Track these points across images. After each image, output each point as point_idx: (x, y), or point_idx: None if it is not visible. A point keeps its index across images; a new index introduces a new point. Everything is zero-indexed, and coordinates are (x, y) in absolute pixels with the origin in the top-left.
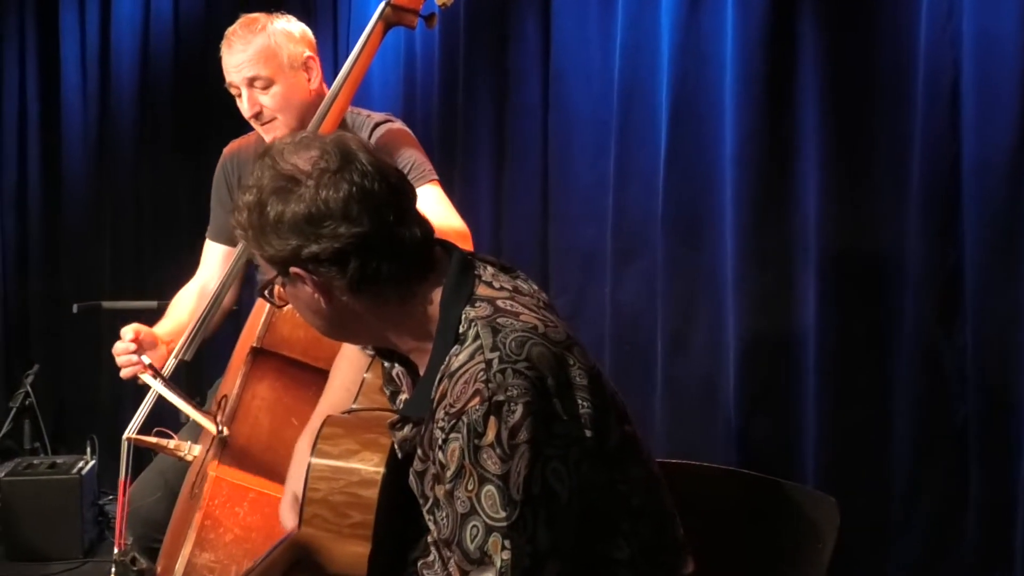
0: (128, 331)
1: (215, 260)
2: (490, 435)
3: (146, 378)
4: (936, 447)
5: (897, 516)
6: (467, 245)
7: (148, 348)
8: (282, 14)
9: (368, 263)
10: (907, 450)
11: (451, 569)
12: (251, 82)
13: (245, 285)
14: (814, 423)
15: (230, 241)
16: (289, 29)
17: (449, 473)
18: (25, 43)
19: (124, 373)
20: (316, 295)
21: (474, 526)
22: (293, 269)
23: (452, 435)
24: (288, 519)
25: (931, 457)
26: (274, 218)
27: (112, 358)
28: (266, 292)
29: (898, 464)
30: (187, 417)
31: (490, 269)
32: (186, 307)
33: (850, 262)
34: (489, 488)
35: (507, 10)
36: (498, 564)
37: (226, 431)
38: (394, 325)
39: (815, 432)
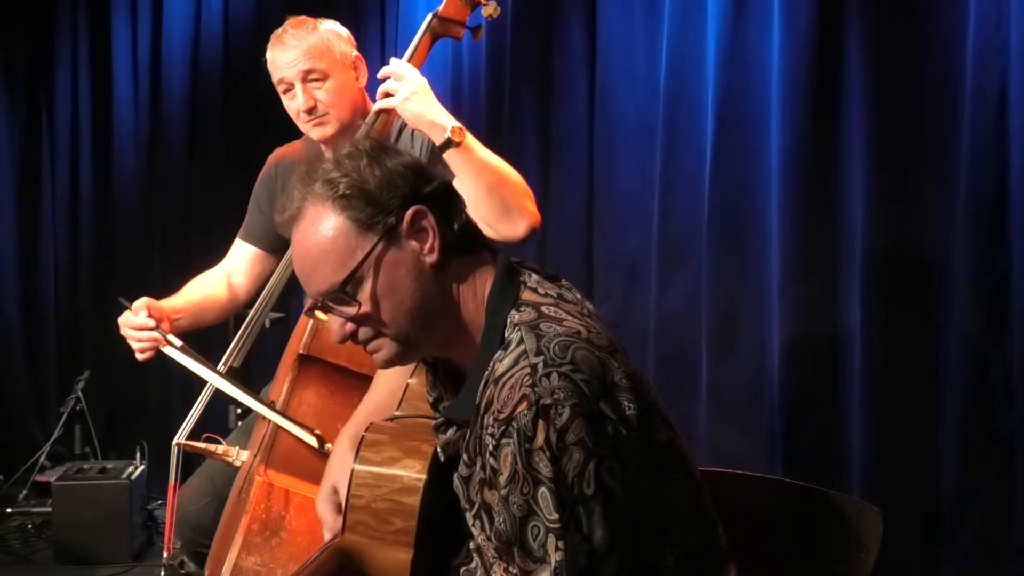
0: (141, 306)
1: (242, 257)
2: (540, 439)
3: (168, 351)
4: (984, 456)
5: (944, 526)
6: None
7: (157, 324)
8: (326, 19)
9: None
10: (954, 459)
11: (495, 572)
12: (306, 76)
13: (293, 293)
14: (859, 431)
15: (261, 243)
16: (337, 30)
17: (503, 478)
18: (78, 52)
19: (141, 347)
20: (430, 243)
21: (535, 526)
22: (417, 207)
23: (503, 441)
24: (325, 511)
25: (978, 466)
26: (391, 164)
27: (160, 363)
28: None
29: (945, 473)
30: (236, 422)
31: (535, 276)
32: (200, 289)
33: (896, 270)
34: (543, 490)
35: (553, 19)
36: (552, 564)
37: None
38: (455, 311)
39: (860, 441)
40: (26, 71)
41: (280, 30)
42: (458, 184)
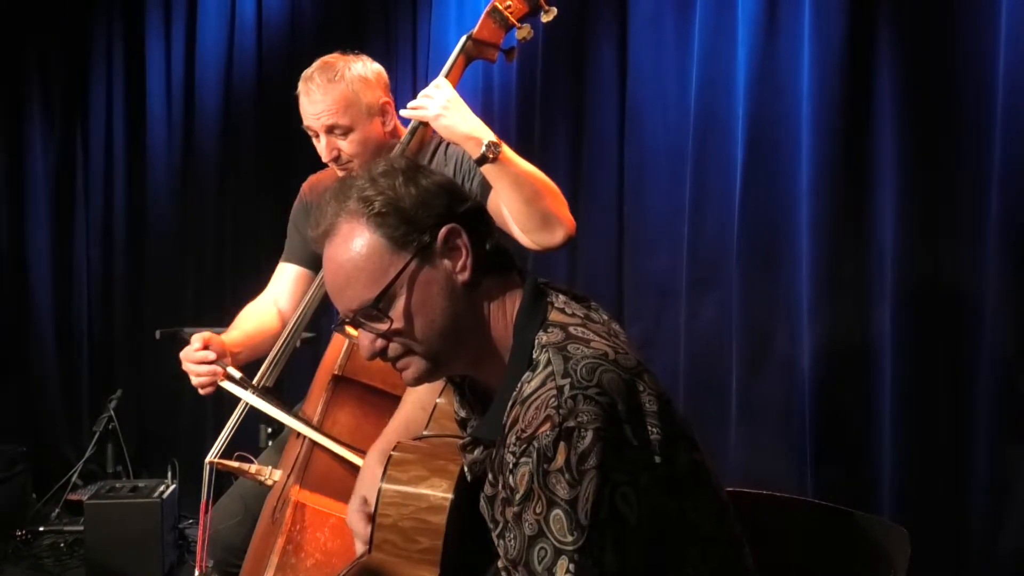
0: (198, 339)
1: (287, 279)
2: (559, 460)
3: (227, 385)
4: (1015, 478)
5: (975, 548)
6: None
7: (219, 358)
8: (357, 56)
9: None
10: (985, 480)
11: None
12: (330, 129)
13: (323, 314)
14: (890, 452)
15: (304, 262)
16: (366, 75)
17: (518, 496)
18: (112, 75)
19: (201, 382)
20: (462, 261)
21: (542, 548)
22: (451, 225)
23: (522, 459)
24: (355, 521)
25: (1009, 488)
26: (426, 183)
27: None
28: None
29: (976, 494)
30: (268, 441)
31: (562, 297)
32: (252, 319)
33: (927, 293)
34: (557, 512)
35: (584, 42)
36: None
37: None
38: (484, 330)
39: (891, 461)
40: (61, 93)
41: (308, 73)
42: (497, 196)
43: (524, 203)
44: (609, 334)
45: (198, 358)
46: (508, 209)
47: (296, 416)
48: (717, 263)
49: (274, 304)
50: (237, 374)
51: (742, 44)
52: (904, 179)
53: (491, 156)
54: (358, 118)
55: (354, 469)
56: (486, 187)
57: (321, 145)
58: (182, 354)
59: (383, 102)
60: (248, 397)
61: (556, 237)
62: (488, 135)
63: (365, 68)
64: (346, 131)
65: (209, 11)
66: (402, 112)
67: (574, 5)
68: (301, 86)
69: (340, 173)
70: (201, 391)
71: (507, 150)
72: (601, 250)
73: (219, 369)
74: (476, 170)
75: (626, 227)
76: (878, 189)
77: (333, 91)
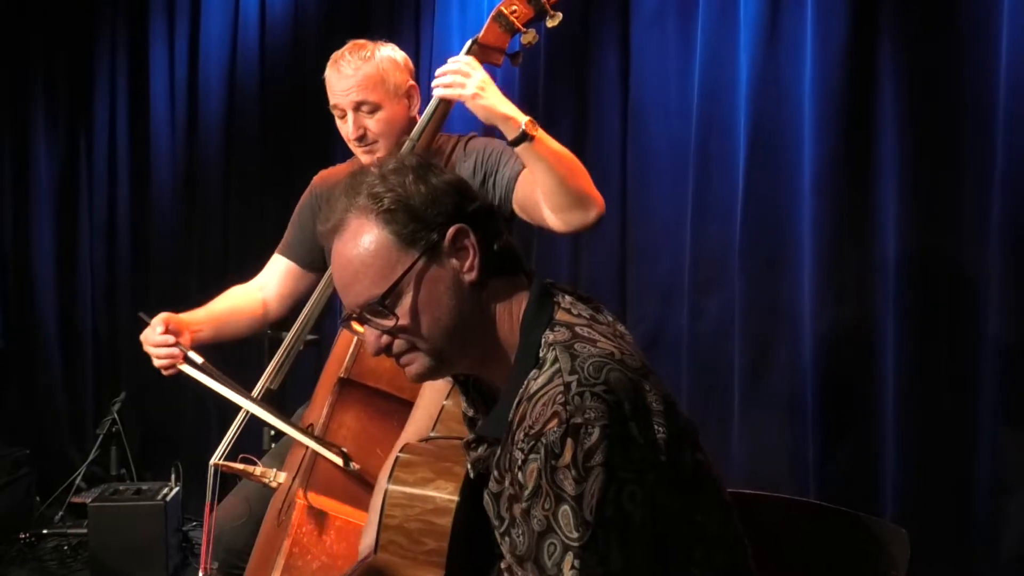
0: (158, 321)
1: (276, 271)
2: (567, 457)
3: (186, 369)
4: (1019, 482)
5: (980, 549)
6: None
7: (177, 336)
8: (386, 42)
9: (500, 229)
10: (989, 484)
11: None
12: (358, 106)
13: (327, 316)
14: (893, 454)
15: (296, 258)
16: (394, 57)
17: (526, 493)
18: (116, 76)
19: (161, 364)
20: (470, 261)
21: (551, 543)
22: (459, 225)
23: (531, 456)
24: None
25: (1014, 492)
26: (435, 181)
27: (196, 385)
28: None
29: (980, 497)
30: (270, 444)
31: (569, 297)
32: (226, 300)
33: (931, 294)
34: (564, 508)
35: (587, 45)
36: None
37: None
38: (490, 329)
39: (894, 463)
40: (65, 95)
41: (339, 53)
42: (533, 177)
43: (559, 182)
44: (615, 335)
45: (158, 341)
46: (543, 189)
47: (261, 403)
48: (720, 265)
49: (259, 291)
50: (198, 359)
51: (744, 47)
52: (906, 180)
53: (532, 134)
54: (386, 97)
55: (359, 473)
56: (514, 177)
57: (348, 124)
58: (142, 336)
59: (409, 85)
60: (208, 381)
61: (590, 215)
62: (523, 115)
63: (394, 52)
64: (374, 108)
65: (212, 12)
66: (435, 91)
67: (576, 7)
68: (330, 65)
69: (363, 155)
70: (163, 372)
71: (540, 130)
72: (604, 252)
73: (178, 352)
74: (500, 163)
75: (629, 229)
76: (880, 190)
77: (364, 68)
